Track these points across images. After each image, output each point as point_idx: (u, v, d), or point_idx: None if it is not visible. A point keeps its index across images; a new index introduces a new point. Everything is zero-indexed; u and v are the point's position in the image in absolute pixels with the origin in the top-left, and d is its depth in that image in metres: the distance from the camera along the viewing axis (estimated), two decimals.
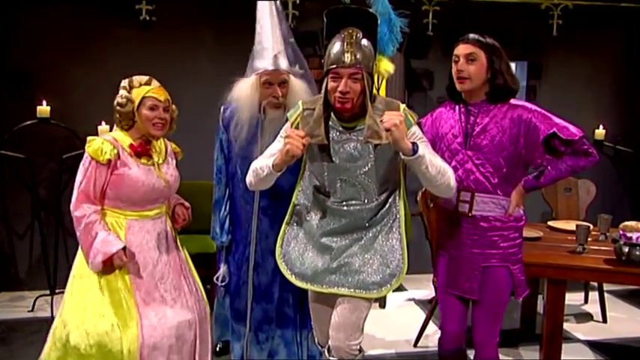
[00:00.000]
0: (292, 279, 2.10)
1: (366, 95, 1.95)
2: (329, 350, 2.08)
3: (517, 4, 4.43)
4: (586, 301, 3.96)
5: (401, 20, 2.25)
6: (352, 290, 2.00)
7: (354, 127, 2.01)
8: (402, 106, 2.03)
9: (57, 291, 3.74)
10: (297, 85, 2.37)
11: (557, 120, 2.08)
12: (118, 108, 2.21)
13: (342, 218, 2.04)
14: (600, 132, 4.62)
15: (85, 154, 2.12)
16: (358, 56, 1.92)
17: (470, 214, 2.13)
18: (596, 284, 3.70)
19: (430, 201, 2.87)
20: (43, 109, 3.59)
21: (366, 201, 2.03)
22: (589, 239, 2.92)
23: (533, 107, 2.11)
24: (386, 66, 2.71)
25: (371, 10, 2.05)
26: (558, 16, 4.49)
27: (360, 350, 2.05)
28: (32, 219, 4.00)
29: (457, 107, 2.19)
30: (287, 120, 2.11)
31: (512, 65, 4.85)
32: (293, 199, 2.19)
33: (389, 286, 2.02)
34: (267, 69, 2.28)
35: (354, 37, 1.93)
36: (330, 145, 2.01)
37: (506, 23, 4.45)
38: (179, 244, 2.36)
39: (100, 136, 2.20)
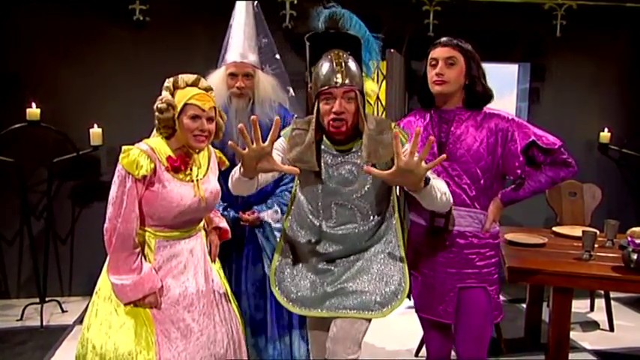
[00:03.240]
0: (289, 306, 2.09)
1: (360, 115, 1.94)
2: None
3: (520, 4, 4.44)
4: (592, 308, 3.93)
5: (377, 42, 2.25)
6: (354, 312, 1.98)
7: (348, 150, 1.99)
8: (393, 124, 2.01)
9: (47, 299, 3.75)
10: (265, 78, 2.50)
11: (534, 129, 2.05)
12: (157, 113, 2.06)
13: (338, 243, 2.04)
14: (605, 135, 4.64)
15: (119, 166, 1.98)
16: (349, 75, 1.92)
17: (447, 229, 2.06)
18: (602, 291, 3.67)
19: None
20: (33, 111, 3.58)
21: (362, 223, 2.02)
22: (595, 245, 2.90)
23: (510, 116, 2.08)
24: (371, 86, 2.75)
25: (353, 33, 2.05)
26: (562, 17, 4.51)
27: None
28: (21, 225, 4.00)
29: (428, 114, 2.13)
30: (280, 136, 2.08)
31: (515, 67, 4.87)
32: (284, 224, 2.18)
33: (392, 305, 2.01)
34: (234, 61, 2.42)
35: (342, 58, 1.95)
36: (323, 170, 1.99)
37: (509, 24, 4.48)
38: (214, 266, 2.24)
39: (136, 146, 2.03)
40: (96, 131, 3.76)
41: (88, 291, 3.97)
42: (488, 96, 2.07)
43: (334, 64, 1.93)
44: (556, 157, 2.05)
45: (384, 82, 3.95)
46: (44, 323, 3.56)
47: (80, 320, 3.65)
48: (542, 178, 2.08)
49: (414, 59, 4.24)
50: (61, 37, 3.92)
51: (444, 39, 2.06)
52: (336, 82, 1.90)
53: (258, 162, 1.79)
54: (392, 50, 3.76)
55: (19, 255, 4.04)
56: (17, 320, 3.64)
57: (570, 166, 2.08)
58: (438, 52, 2.03)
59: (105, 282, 2.02)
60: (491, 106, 2.12)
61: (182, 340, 2.01)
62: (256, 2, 2.59)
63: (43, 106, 3.67)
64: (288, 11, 4.05)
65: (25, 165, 3.80)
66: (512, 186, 2.12)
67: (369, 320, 2.03)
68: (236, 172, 1.93)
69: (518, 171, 2.06)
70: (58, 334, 3.45)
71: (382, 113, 4.06)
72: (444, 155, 1.77)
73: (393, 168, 1.73)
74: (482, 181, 2.04)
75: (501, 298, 4.09)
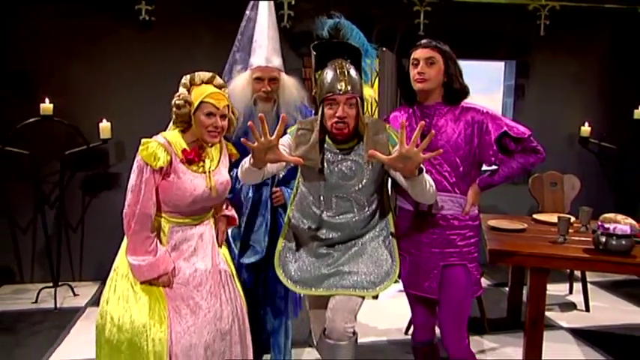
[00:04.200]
0: (291, 286, 2.22)
1: (360, 119, 2.08)
2: (324, 332, 2.17)
3: (505, 5, 4.52)
4: (570, 291, 4.09)
5: (374, 51, 2.37)
6: (350, 290, 2.12)
7: (348, 149, 2.13)
8: (387, 125, 2.15)
9: (60, 283, 3.85)
10: (289, 81, 2.46)
11: (506, 120, 2.16)
12: (174, 109, 2.12)
13: (337, 229, 2.18)
14: (586, 129, 4.78)
15: (139, 157, 2.04)
16: (351, 83, 2.05)
17: (430, 213, 2.17)
18: (580, 275, 3.81)
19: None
20: (46, 106, 3.66)
21: (358, 213, 2.16)
22: (571, 230, 3.03)
23: (485, 109, 2.17)
24: (368, 91, 2.80)
25: (354, 44, 2.15)
26: (545, 17, 4.59)
27: (354, 333, 2.16)
28: (35, 213, 4.07)
29: (411, 110, 2.24)
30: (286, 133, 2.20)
31: (501, 64, 4.97)
32: (287, 214, 2.31)
33: (384, 284, 2.15)
34: (259, 65, 2.38)
35: (345, 67, 2.07)
36: (325, 166, 2.13)
37: (495, 23, 4.56)
38: (220, 251, 2.31)
39: (154, 139, 2.09)
40: (105, 125, 3.84)
41: (97, 276, 4.15)
42: (464, 92, 2.17)
43: (338, 72, 2.06)
44: (526, 145, 2.15)
45: (377, 78, 4.02)
46: (58, 305, 3.68)
47: (91, 303, 3.79)
48: (514, 164, 2.17)
49: (405, 57, 4.24)
50: (71, 36, 3.98)
51: (424, 41, 2.16)
52: (340, 90, 2.03)
53: (266, 153, 1.93)
54: (384, 48, 3.85)
55: (32, 242, 4.12)
56: (32, 303, 3.74)
57: (539, 153, 2.17)
58: (419, 53, 2.13)
59: (122, 261, 2.13)
60: (481, 102, 2.23)
61: (191, 316, 2.09)
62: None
63: (55, 102, 3.73)
64: (286, 11, 4.14)
65: (39, 157, 3.85)
66: (488, 172, 2.24)
67: (364, 297, 2.17)
68: (246, 163, 2.05)
69: (493, 158, 2.15)
70: (71, 315, 3.56)
71: (375, 108, 4.15)
72: (440, 150, 1.90)
73: (396, 154, 1.86)
74: (461, 169, 2.14)
75: (486, 282, 4.26)
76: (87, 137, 3.89)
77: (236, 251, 2.52)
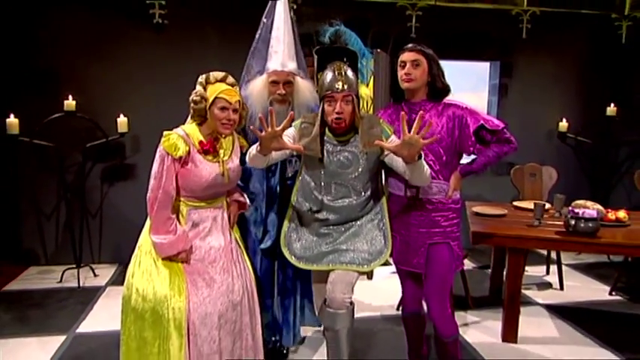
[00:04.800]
0: (295, 262, 2.37)
1: (356, 114, 2.23)
2: (325, 302, 2.32)
3: (490, 10, 4.62)
4: (547, 272, 4.24)
5: (370, 56, 2.45)
6: (347, 265, 2.28)
7: (345, 141, 2.28)
8: (381, 120, 2.29)
9: (82, 264, 4.00)
10: (303, 84, 2.51)
11: (483, 115, 2.28)
12: (192, 104, 2.20)
13: (336, 212, 2.32)
14: (563, 124, 4.90)
15: (161, 147, 2.14)
16: (348, 83, 2.18)
17: (418, 197, 2.29)
18: (555, 258, 3.95)
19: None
20: (70, 103, 3.77)
21: (355, 198, 2.31)
22: (546, 216, 3.23)
23: (464, 105, 2.28)
24: (364, 90, 2.88)
25: (352, 48, 2.30)
26: (527, 21, 4.69)
27: (352, 303, 2.31)
28: (58, 201, 4.18)
29: (399, 107, 2.34)
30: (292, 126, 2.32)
31: (487, 65, 5.08)
32: (292, 198, 2.45)
33: (377, 261, 2.31)
34: (275, 69, 2.43)
35: (342, 68, 2.20)
36: (325, 156, 2.27)
37: (481, 27, 4.66)
38: (232, 231, 2.39)
39: (175, 131, 2.19)
40: (122, 120, 3.94)
41: (114, 259, 4.35)
42: (446, 90, 2.28)
43: (336, 73, 2.18)
44: (500, 136, 2.26)
45: (372, 77, 4.10)
46: (80, 284, 3.83)
47: (111, 282, 3.94)
48: (490, 153, 2.28)
49: (397, 58, 4.43)
50: (92, 38, 4.06)
51: (410, 45, 2.27)
52: (337, 89, 2.16)
53: (271, 142, 2.08)
54: (379, 50, 3.93)
55: (56, 227, 4.23)
56: (57, 282, 3.89)
57: (511, 143, 2.28)
58: (405, 56, 2.24)
59: (146, 240, 2.27)
60: (468, 100, 2.36)
61: (206, 289, 2.20)
62: (292, 13, 2.57)
63: (77, 98, 3.82)
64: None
65: (63, 149, 3.91)
66: (468, 161, 2.38)
67: (360, 273, 2.33)
68: (253, 150, 2.19)
69: (472, 149, 2.26)
70: (93, 293, 3.70)
71: (370, 104, 4.23)
72: (437, 136, 2.03)
73: (399, 141, 2.02)
74: (444, 158, 2.26)
75: (471, 264, 4.44)
76: (106, 131, 3.97)
77: (259, 236, 2.63)
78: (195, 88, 2.20)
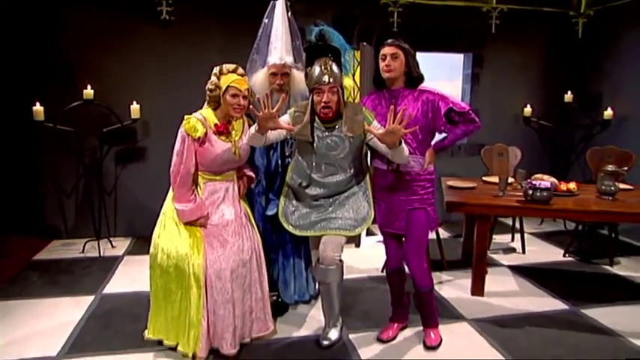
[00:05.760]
0: (292, 230, 2.60)
1: (341, 103, 2.41)
2: (318, 260, 2.56)
3: (463, 7, 4.79)
4: (512, 240, 4.52)
5: (353, 51, 2.61)
6: (336, 230, 2.52)
7: (332, 127, 2.44)
8: (363, 108, 2.44)
9: (101, 236, 4.17)
10: (299, 76, 2.68)
11: (452, 99, 2.44)
12: (208, 92, 2.36)
13: (325, 187, 2.55)
14: (528, 110, 5.08)
15: (182, 129, 2.33)
16: (333, 76, 2.34)
17: (399, 170, 2.48)
18: (519, 228, 4.22)
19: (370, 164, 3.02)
20: (88, 92, 3.90)
21: (342, 174, 2.53)
22: (509, 188, 3.48)
23: (436, 91, 2.44)
24: (348, 81, 3.03)
25: (336, 45, 2.46)
26: (496, 17, 4.86)
27: (341, 261, 2.56)
28: (77, 180, 4.31)
29: (381, 93, 2.51)
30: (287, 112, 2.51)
31: (461, 56, 5.24)
32: (287, 177, 2.66)
33: (361, 226, 2.55)
34: (275, 63, 2.63)
35: (328, 63, 2.36)
36: (315, 140, 2.45)
37: (456, 22, 4.80)
38: (241, 201, 2.60)
39: (194, 115, 2.35)
40: (135, 107, 4.07)
41: (128, 232, 4.59)
42: (420, 79, 2.44)
43: (322, 68, 2.34)
44: (466, 117, 2.44)
45: (359, 67, 4.30)
46: (101, 254, 4.01)
47: (127, 252, 4.12)
48: (458, 131, 2.47)
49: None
50: (106, 33, 4.16)
51: (389, 40, 2.41)
52: (324, 81, 2.32)
53: (267, 122, 2.22)
54: (364, 43, 4.14)
55: (75, 204, 4.36)
56: (80, 253, 4.06)
57: (476, 122, 2.46)
58: (386, 50, 2.40)
59: (169, 207, 2.49)
60: (444, 88, 2.52)
61: (220, 249, 2.41)
62: (290, 13, 2.74)
63: (94, 88, 3.94)
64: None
65: (82, 133, 4.05)
66: (441, 138, 2.58)
67: (347, 237, 2.57)
68: (252, 129, 2.35)
69: (442, 128, 2.45)
70: (113, 261, 3.89)
71: (357, 91, 4.40)
72: (416, 127, 2.22)
73: (384, 130, 2.20)
74: (420, 136, 2.45)
75: (446, 234, 4.71)
76: (120, 117, 4.08)
77: (263, 204, 2.84)
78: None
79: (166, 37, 4.28)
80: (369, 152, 2.67)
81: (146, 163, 4.43)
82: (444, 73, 5.31)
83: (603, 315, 3.05)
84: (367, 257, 4.04)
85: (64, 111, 3.86)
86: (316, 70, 2.36)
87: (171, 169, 2.41)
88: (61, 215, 4.38)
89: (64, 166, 4.28)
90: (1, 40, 4.01)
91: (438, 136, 2.59)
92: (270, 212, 2.82)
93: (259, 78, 2.68)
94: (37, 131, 3.98)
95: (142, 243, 4.29)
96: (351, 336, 2.76)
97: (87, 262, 3.87)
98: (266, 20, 2.75)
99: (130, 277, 3.60)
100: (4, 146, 4.14)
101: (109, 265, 3.83)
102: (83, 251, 4.09)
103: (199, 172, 2.48)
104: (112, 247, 4.23)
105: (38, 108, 3.74)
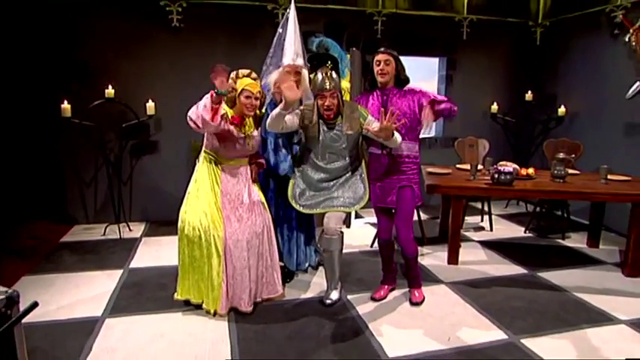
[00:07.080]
0: (301, 209, 2.87)
1: (340, 105, 2.73)
2: (323, 232, 2.87)
3: (439, 17, 5.07)
4: (482, 220, 4.88)
5: (346, 57, 2.85)
6: (338, 208, 2.83)
7: (334, 124, 2.77)
8: (358, 105, 2.74)
9: (121, 220, 4.38)
10: (307, 76, 2.87)
11: (432, 93, 2.75)
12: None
13: (328, 172, 2.84)
14: (495, 107, 5.40)
15: (221, 110, 2.49)
16: (334, 83, 2.64)
17: (391, 154, 2.76)
18: (487, 210, 4.58)
19: (365, 150, 3.16)
20: (110, 91, 4.10)
21: (342, 161, 2.83)
22: (479, 173, 3.84)
23: (419, 88, 2.74)
24: (345, 84, 3.31)
25: (334, 55, 2.75)
26: (467, 26, 5.16)
27: (342, 232, 2.87)
28: (96, 171, 4.48)
29: (375, 93, 2.80)
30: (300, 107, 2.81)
31: (436, 60, 5.54)
32: (295, 165, 2.94)
33: (359, 204, 2.85)
34: (289, 63, 2.79)
35: (329, 72, 2.66)
36: (321, 134, 2.76)
37: (432, 30, 5.09)
38: (253, 183, 2.84)
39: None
40: (150, 104, 4.28)
41: (142, 217, 4.86)
42: (407, 80, 2.77)
43: (325, 76, 2.64)
44: (447, 101, 2.71)
45: (349, 72, 4.39)
46: (121, 236, 4.23)
47: (144, 234, 4.33)
48: (447, 104, 2.67)
49: (367, 54, 4.40)
50: (123, 38, 4.34)
51: (382, 49, 2.72)
52: (326, 88, 2.64)
53: (291, 88, 2.48)
54: (353, 48, 4.37)
55: (94, 193, 4.54)
56: (102, 235, 4.26)
57: (455, 105, 2.72)
58: (380, 57, 2.73)
59: (194, 186, 2.71)
60: (421, 87, 2.80)
61: (237, 223, 2.67)
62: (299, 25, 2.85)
63: (114, 87, 4.12)
64: (281, 20, 4.50)
65: (103, 129, 4.22)
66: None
67: (347, 213, 2.88)
68: (275, 111, 2.54)
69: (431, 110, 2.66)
70: (132, 242, 4.10)
71: (350, 90, 4.53)
72: (404, 120, 2.51)
73: (379, 127, 2.49)
74: (408, 124, 2.72)
75: (426, 216, 5.02)
76: (137, 114, 4.28)
77: (271, 186, 3.09)
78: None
79: (177, 43, 4.45)
80: (364, 142, 2.96)
81: (157, 156, 4.63)
82: (421, 75, 5.51)
83: (554, 277, 3.46)
84: (357, 235, 4.35)
85: (88, 108, 4.05)
86: (319, 78, 2.66)
87: (191, 111, 2.45)
88: (81, 203, 4.55)
89: (85, 159, 4.46)
90: (33, 46, 4.16)
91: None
92: (283, 170, 3.00)
93: (274, 77, 2.90)
94: (63, 127, 4.13)
95: (156, 227, 4.52)
96: (349, 297, 3.08)
97: (110, 243, 4.07)
98: (280, 30, 2.96)
99: (151, 255, 3.83)
100: (32, 141, 4.28)
101: (130, 245, 4.03)
102: (104, 234, 4.29)
103: (219, 156, 2.70)
104: (130, 230, 4.43)
105: (66, 106, 3.92)
